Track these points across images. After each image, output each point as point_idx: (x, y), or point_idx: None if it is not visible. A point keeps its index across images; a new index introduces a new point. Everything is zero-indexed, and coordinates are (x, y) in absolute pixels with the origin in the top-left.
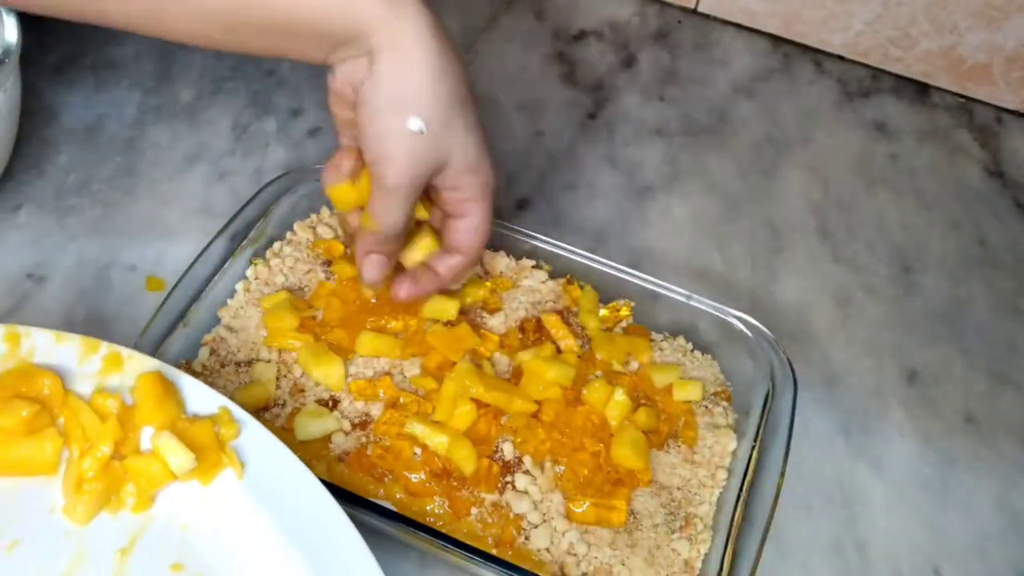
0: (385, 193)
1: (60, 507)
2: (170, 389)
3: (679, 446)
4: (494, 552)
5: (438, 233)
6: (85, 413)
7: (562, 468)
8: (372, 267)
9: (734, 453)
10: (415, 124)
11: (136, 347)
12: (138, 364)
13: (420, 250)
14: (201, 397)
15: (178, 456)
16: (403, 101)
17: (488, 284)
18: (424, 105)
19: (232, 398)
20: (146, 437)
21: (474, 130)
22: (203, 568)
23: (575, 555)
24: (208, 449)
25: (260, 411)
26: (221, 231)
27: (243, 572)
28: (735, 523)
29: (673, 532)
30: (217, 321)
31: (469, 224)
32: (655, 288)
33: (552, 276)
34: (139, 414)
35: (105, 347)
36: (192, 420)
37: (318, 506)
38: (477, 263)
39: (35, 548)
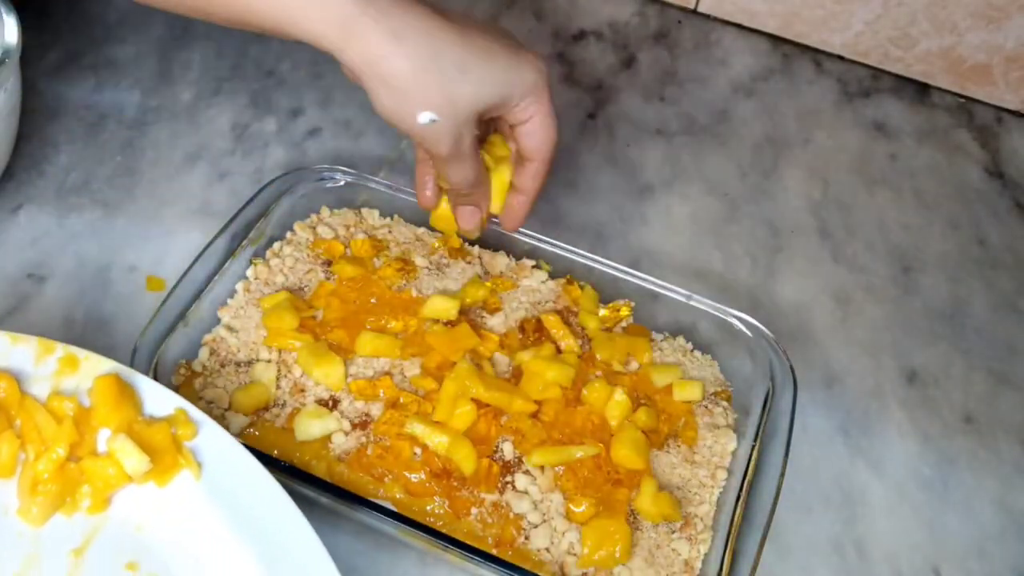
0: (439, 162)
1: (14, 509)
2: (127, 391)
3: (679, 446)
4: (494, 552)
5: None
6: (41, 415)
7: (562, 468)
8: (465, 218)
9: (734, 453)
10: (425, 118)
11: (136, 347)
12: (94, 365)
13: (499, 192)
14: (158, 398)
15: (133, 459)
16: (402, 107)
17: (488, 284)
18: (424, 102)
19: (232, 398)
20: (103, 439)
21: (490, 55)
22: (158, 567)
23: (575, 555)
24: (165, 451)
25: (260, 411)
26: (221, 231)
27: (198, 571)
28: (735, 523)
29: (673, 532)
30: (217, 321)
31: (530, 128)
32: (655, 288)
33: (552, 276)
34: (95, 416)
35: (61, 348)
36: (149, 422)
37: (275, 506)
38: (549, 165)
39: None
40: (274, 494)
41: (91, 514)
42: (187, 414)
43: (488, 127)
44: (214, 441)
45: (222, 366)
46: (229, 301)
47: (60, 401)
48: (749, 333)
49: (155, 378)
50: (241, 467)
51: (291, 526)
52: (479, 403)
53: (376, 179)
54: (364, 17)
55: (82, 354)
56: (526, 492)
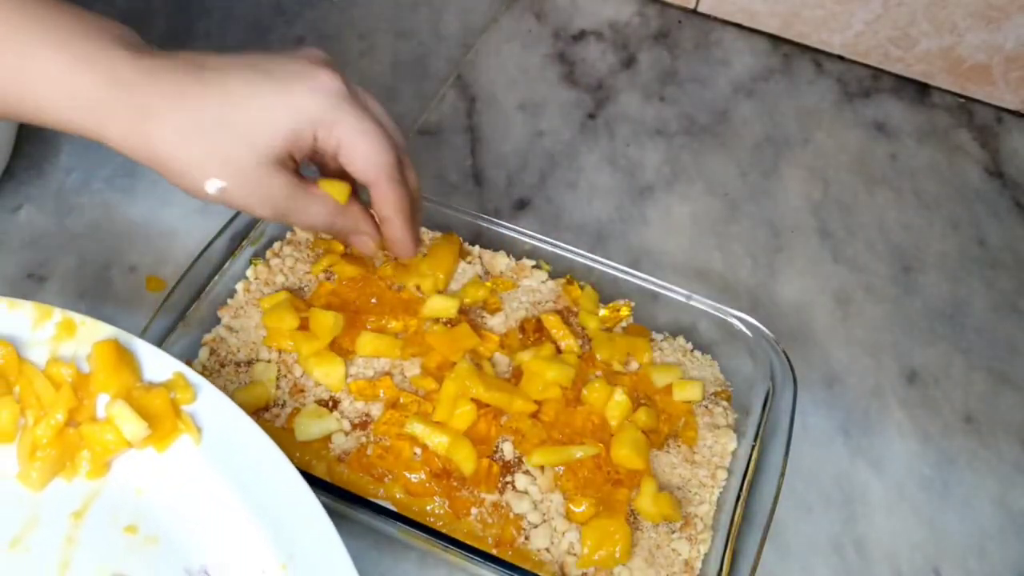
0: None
1: (14, 473)
2: (125, 356)
3: (679, 446)
4: (494, 552)
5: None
6: (39, 381)
7: (562, 468)
8: (361, 245)
9: (734, 453)
10: (212, 187)
11: None
12: (92, 330)
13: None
14: (157, 363)
15: (131, 425)
16: (187, 183)
17: (488, 284)
18: (202, 172)
19: (232, 398)
20: (101, 405)
21: (249, 100)
22: (157, 530)
23: (575, 555)
24: (164, 416)
25: (260, 411)
26: (221, 231)
27: (198, 533)
28: (735, 523)
29: (673, 532)
30: (217, 321)
31: (345, 155)
32: (655, 288)
33: (552, 276)
34: (94, 382)
35: (59, 313)
36: (147, 387)
37: (274, 468)
38: (394, 185)
39: None
40: (273, 457)
41: (91, 479)
42: (185, 378)
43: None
44: (213, 405)
45: (222, 366)
46: (229, 301)
47: (58, 367)
48: (749, 333)
49: None
50: (240, 431)
51: (290, 489)
52: (479, 403)
53: None
54: (111, 98)
55: (79, 319)
56: (526, 492)
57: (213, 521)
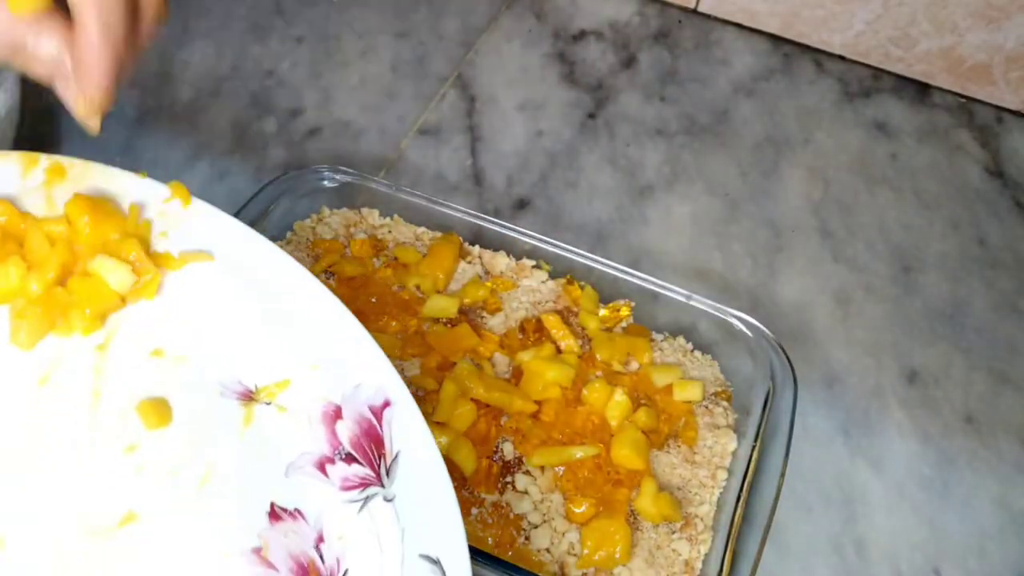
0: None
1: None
2: (101, 206)
3: (679, 446)
4: (494, 552)
5: None
6: (36, 238)
7: (562, 468)
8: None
9: (734, 453)
10: None
11: None
12: (82, 171)
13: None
14: (147, 192)
15: (116, 274)
16: None
17: (488, 284)
18: None
19: None
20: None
21: None
22: (184, 350)
23: (575, 555)
24: (163, 257)
25: None
26: None
27: (225, 347)
28: (735, 523)
29: (673, 532)
30: None
31: None
32: (655, 288)
33: (552, 276)
34: (81, 238)
35: (45, 159)
36: (138, 227)
37: (289, 274)
38: (97, 28)
39: (9, 358)
40: (285, 265)
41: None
42: (184, 191)
43: None
44: (216, 225)
45: None
46: None
47: (53, 225)
48: (749, 333)
49: None
50: (249, 245)
51: (308, 291)
52: (479, 403)
53: (376, 179)
54: None
55: (67, 161)
56: (526, 492)
57: (238, 334)
